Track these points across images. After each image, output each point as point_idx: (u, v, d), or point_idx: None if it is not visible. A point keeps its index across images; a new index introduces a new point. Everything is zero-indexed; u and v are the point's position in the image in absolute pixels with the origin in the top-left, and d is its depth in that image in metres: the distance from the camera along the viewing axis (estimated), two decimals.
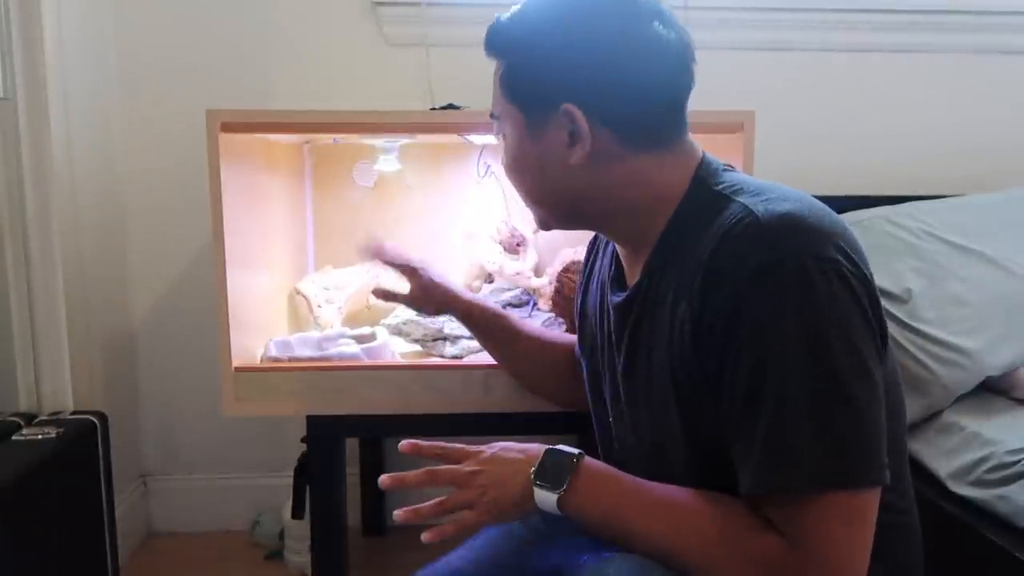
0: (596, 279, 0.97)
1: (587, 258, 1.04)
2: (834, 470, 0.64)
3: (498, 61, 0.82)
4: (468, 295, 1.16)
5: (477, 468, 0.80)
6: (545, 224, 0.88)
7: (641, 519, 0.73)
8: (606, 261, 0.94)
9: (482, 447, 0.82)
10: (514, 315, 1.18)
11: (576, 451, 0.77)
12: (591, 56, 0.77)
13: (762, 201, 0.71)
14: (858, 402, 0.65)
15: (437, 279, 1.16)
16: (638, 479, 0.77)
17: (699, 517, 0.71)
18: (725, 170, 0.81)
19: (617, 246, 0.88)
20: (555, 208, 0.85)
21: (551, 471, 0.76)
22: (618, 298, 0.85)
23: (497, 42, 0.82)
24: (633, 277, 0.84)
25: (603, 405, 0.92)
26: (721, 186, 0.77)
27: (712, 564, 0.69)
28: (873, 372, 0.67)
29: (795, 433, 0.65)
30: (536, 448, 0.79)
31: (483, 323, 1.14)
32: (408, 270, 1.16)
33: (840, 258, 0.67)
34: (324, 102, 1.74)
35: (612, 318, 0.87)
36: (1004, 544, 1.11)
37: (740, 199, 0.73)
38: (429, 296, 1.16)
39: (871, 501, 0.66)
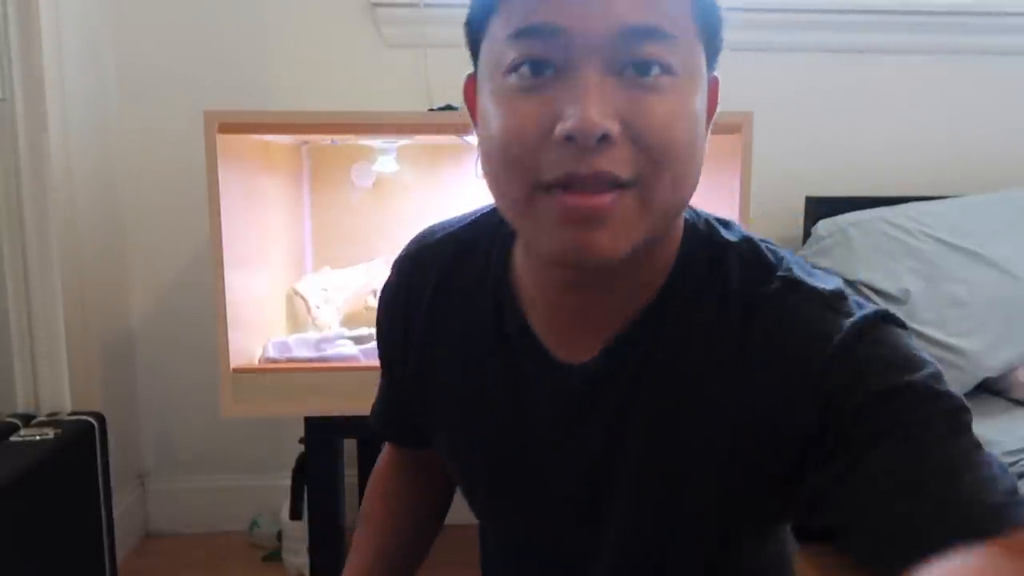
0: (457, 347, 0.69)
1: (388, 320, 0.74)
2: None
3: None
4: None
5: None
6: (654, 235, 0.57)
7: None
8: (480, 326, 0.67)
9: None
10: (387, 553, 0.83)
11: None
12: None
13: (793, 268, 0.60)
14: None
15: None
16: None
17: None
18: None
19: (556, 295, 0.62)
20: (687, 197, 0.58)
21: None
22: (573, 373, 0.62)
23: None
24: (575, 343, 0.63)
25: (518, 511, 0.69)
26: (714, 234, 0.63)
27: None
28: None
29: (983, 468, 0.51)
30: None
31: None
32: None
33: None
34: (322, 103, 1.73)
35: (559, 396, 0.64)
36: None
37: (766, 259, 0.61)
38: None
39: None
